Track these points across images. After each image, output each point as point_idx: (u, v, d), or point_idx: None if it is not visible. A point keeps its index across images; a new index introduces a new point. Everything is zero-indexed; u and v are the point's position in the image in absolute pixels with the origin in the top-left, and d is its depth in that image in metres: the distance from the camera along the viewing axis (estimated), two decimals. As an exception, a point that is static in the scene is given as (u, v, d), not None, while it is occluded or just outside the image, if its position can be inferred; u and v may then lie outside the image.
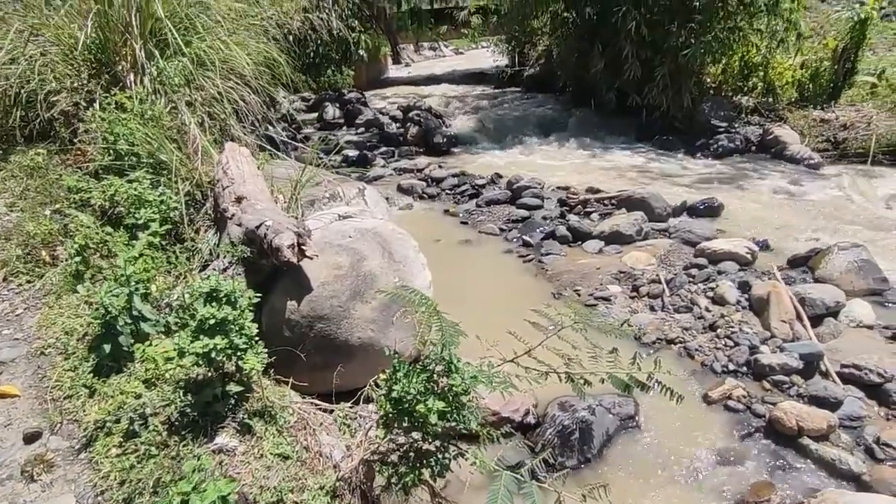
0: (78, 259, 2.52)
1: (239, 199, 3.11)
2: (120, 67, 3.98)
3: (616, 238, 5.07)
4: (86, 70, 3.89)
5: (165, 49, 4.22)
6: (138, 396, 1.92)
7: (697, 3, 8.33)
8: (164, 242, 2.84)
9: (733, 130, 8.72)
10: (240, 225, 2.89)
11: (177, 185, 3.17)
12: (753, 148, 8.38)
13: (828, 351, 3.16)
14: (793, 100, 9.31)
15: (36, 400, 2.02)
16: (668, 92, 8.81)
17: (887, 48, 10.99)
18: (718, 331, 3.49)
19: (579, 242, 5.14)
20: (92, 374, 2.04)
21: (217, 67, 4.33)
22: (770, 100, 9.44)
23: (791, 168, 7.38)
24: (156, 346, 2.10)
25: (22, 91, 3.69)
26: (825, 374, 3.03)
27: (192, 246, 2.97)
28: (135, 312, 2.13)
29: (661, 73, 8.68)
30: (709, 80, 9.85)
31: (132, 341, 2.12)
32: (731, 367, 3.19)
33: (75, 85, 3.79)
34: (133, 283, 2.14)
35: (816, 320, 3.47)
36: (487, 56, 19.45)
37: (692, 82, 8.97)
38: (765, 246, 4.83)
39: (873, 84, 8.89)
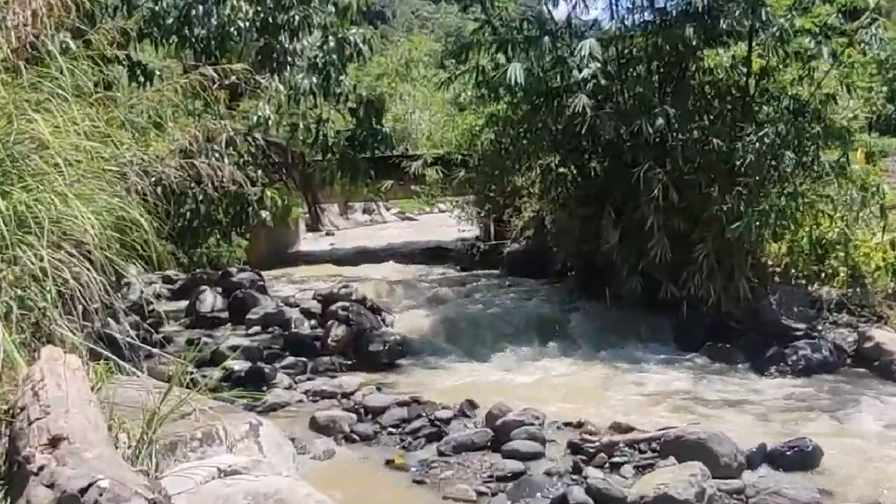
0: None
1: (55, 442, 2.95)
2: None
3: (665, 506, 4.96)
4: None
5: (-34, 202, 4.35)
6: None
7: (741, 162, 9.40)
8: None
9: (816, 334, 9.22)
10: (51, 486, 2.70)
11: (-49, 415, 3.01)
12: (848, 360, 8.83)
13: None
14: (891, 291, 10.11)
15: None
16: (715, 278, 9.47)
17: None
18: None
19: (607, 513, 4.99)
20: None
21: (45, 230, 4.45)
22: (859, 291, 10.21)
23: (907, 390, 7.73)
24: None
25: None
26: None
27: (-41, 526, 2.71)
28: None
29: (704, 252, 9.40)
30: (770, 262, 10.70)
31: None
32: None
33: None
34: None
35: None
36: (449, 224, 20.90)
37: (748, 265, 9.72)
38: (897, 518, 4.81)
39: None
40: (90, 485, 2.53)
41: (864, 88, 12.97)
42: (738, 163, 9.45)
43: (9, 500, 2.90)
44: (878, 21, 10.05)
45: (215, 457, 3.89)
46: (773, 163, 9.65)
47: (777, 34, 9.81)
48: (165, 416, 3.77)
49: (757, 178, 9.78)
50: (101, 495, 2.48)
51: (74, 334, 4.42)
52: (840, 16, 10.22)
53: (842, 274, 10.41)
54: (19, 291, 4.23)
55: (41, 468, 2.83)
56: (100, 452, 2.91)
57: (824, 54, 9.75)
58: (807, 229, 10.44)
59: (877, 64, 16.44)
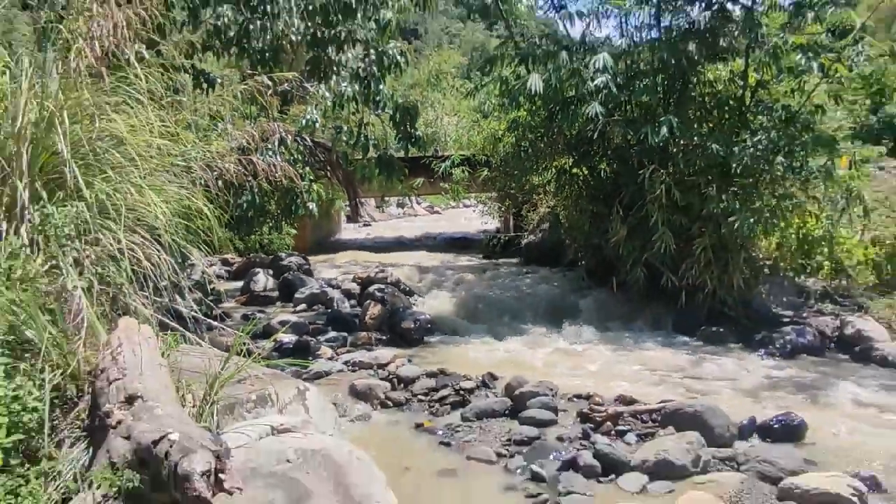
0: None
1: (130, 400, 2.99)
2: (-11, 211, 4.10)
3: (664, 470, 4.92)
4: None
5: (57, 190, 4.40)
6: None
7: (737, 166, 9.33)
8: (9, 461, 2.63)
9: (802, 321, 9.15)
10: (128, 438, 2.74)
11: (43, 374, 3.05)
12: (831, 345, 8.74)
13: None
14: (871, 284, 10.01)
15: None
16: (711, 269, 9.43)
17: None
18: None
19: (612, 476, 4.96)
20: None
21: (122, 216, 4.49)
22: (842, 283, 10.13)
23: (886, 373, 7.61)
24: None
25: None
26: None
27: (51, 468, 2.76)
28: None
29: (702, 245, 9.36)
30: (762, 255, 10.63)
31: None
32: None
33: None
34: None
35: None
36: (473, 217, 20.92)
37: (742, 258, 9.65)
38: (873, 485, 4.72)
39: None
40: (162, 438, 2.56)
41: (850, 101, 12.80)
42: (734, 166, 9.37)
43: (91, 450, 2.95)
44: (863, 39, 9.94)
45: (268, 417, 3.92)
46: (766, 167, 9.54)
47: (771, 51, 9.78)
48: (225, 380, 3.81)
49: (751, 180, 9.76)
50: (171, 447, 2.51)
51: (146, 308, 4.48)
52: (829, 34, 10.13)
53: (826, 267, 10.36)
54: (100, 269, 4.28)
55: (119, 422, 2.87)
56: (169, 410, 2.94)
57: (814, 69, 9.65)
58: (795, 227, 10.41)
59: (861, 79, 16.20)
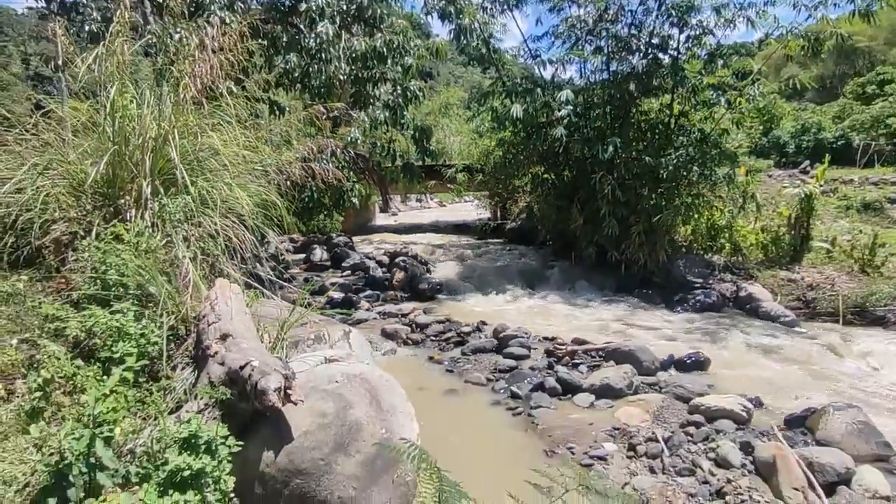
0: (39, 394, 2.31)
1: (224, 337, 3.00)
2: (123, 201, 4.10)
3: (607, 391, 4.93)
4: (90, 203, 3.99)
5: (170, 187, 4.40)
6: (78, 568, 1.62)
7: (663, 173, 9.25)
8: (138, 379, 2.65)
9: (708, 286, 9.08)
10: (222, 364, 2.75)
11: (161, 318, 3.07)
12: (730, 304, 8.66)
13: (849, 526, 2.93)
14: (760, 260, 9.94)
15: (-49, 569, 1.69)
16: (644, 248, 9.39)
17: (832, 219, 12.22)
18: (727, 498, 3.24)
19: (569, 395, 4.97)
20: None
21: (217, 206, 4.49)
22: (739, 259, 10.06)
23: (769, 325, 7.55)
24: (109, 502, 1.84)
25: (19, 218, 3.72)
26: (851, 554, 2.76)
27: (167, 385, 2.78)
28: (93, 460, 1.90)
29: (637, 231, 9.31)
30: (680, 238, 10.54)
31: (83, 495, 1.85)
32: (748, 542, 2.90)
33: (77, 215, 3.85)
34: (98, 425, 1.93)
35: (829, 488, 3.26)
36: (470, 209, 20.81)
37: (666, 240, 9.59)
38: (758, 403, 4.72)
39: (828, 250, 9.63)
40: (246, 364, 2.57)
41: (748, 126, 12.63)
42: (661, 173, 9.29)
43: (195, 373, 2.97)
44: (759, 80, 9.79)
45: (322, 351, 3.93)
46: (685, 174, 9.43)
47: (690, 89, 9.68)
48: (291, 324, 3.82)
49: (674, 183, 9.62)
50: (253, 370, 2.52)
51: (235, 272, 4.49)
52: (734, 76, 9.97)
53: (727, 248, 10.28)
54: (202, 244, 4.28)
55: (216, 353, 2.88)
56: (252, 345, 2.95)
57: (722, 102, 9.53)
58: (705, 218, 10.30)
59: (757, 110, 15.97)
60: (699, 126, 10.17)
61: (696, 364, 5.68)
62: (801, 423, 4.16)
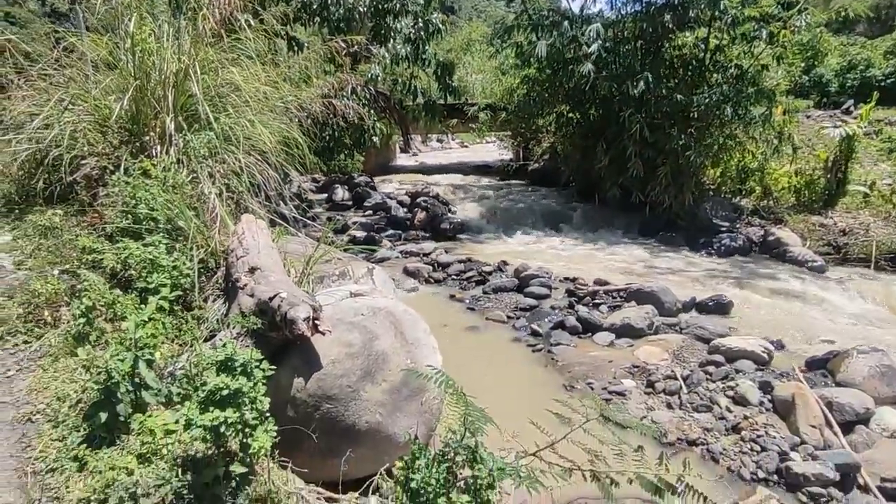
0: (83, 320, 2.43)
1: (252, 270, 3.07)
2: (148, 137, 4.12)
3: (627, 331, 4.98)
4: (116, 138, 4.02)
5: (193, 123, 4.39)
6: (130, 473, 1.76)
7: (695, 112, 8.87)
8: (173, 308, 2.76)
9: (735, 230, 8.92)
10: (252, 296, 2.83)
11: (191, 251, 3.14)
12: (756, 248, 8.53)
13: (864, 462, 2.98)
14: (791, 204, 9.65)
15: (15, 472, 1.85)
16: (670, 190, 9.17)
17: (872, 163, 11.68)
18: (743, 433, 3.32)
19: (589, 334, 5.05)
20: (82, 446, 1.88)
21: (241, 143, 4.49)
22: (769, 203, 9.78)
23: (795, 269, 7.44)
24: (155, 417, 1.96)
25: (49, 154, 3.78)
26: (864, 489, 2.84)
27: (201, 315, 2.88)
28: (137, 379, 2.01)
29: (664, 172, 9.07)
30: (708, 181, 10.26)
31: (130, 411, 1.98)
32: (761, 474, 2.99)
33: (104, 150, 3.89)
34: (139, 348, 2.04)
35: (846, 427, 3.31)
36: (492, 150, 20.41)
37: (693, 182, 9.34)
38: (779, 346, 4.73)
39: (865, 194, 9.28)
40: (275, 295, 2.63)
41: (788, 63, 11.91)
42: (693, 112, 8.91)
43: (226, 304, 3.07)
44: (806, 10, 9.11)
45: (347, 286, 4.00)
46: (718, 113, 9.00)
47: (729, 21, 9.07)
48: (316, 260, 3.88)
49: (705, 123, 9.24)
50: (282, 301, 2.59)
51: (259, 209, 4.54)
52: (778, 5, 9.30)
53: (757, 191, 9.99)
54: (226, 181, 4.32)
55: (245, 285, 2.95)
56: (280, 278, 3.01)
57: (763, 36, 8.93)
58: (736, 160, 9.96)
59: (800, 45, 15.04)
60: (736, 62, 9.63)
61: (719, 307, 5.66)
62: (822, 366, 4.18)
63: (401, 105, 12.37)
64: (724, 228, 9.02)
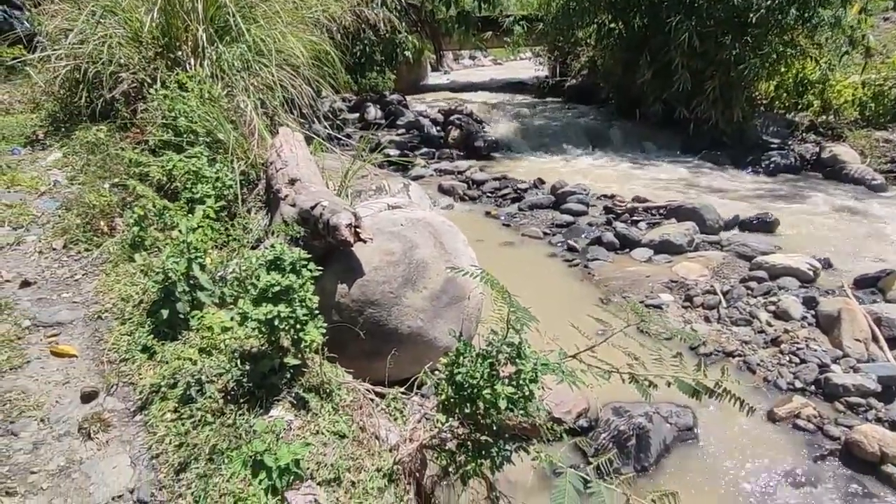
0: (136, 229, 2.53)
1: (292, 181, 3.10)
2: (181, 52, 4.06)
3: (666, 247, 4.91)
4: (150, 51, 3.98)
5: (224, 35, 4.29)
6: (194, 363, 1.89)
7: (753, 16, 8.11)
8: (220, 216, 2.84)
9: (786, 147, 8.43)
10: (293, 205, 2.87)
11: (232, 163, 3.18)
12: (808, 167, 8.08)
13: (908, 375, 2.95)
14: (853, 119, 8.98)
15: (93, 361, 2.01)
16: (718, 105, 8.64)
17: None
18: (782, 346, 3.31)
19: (627, 250, 5.00)
20: (150, 338, 2.02)
21: (273, 56, 4.38)
22: (828, 118, 9.13)
23: (851, 188, 7.07)
24: (212, 315, 2.07)
25: (89, 71, 3.78)
26: (906, 399, 2.82)
27: (245, 224, 2.96)
28: (192, 281, 2.11)
29: (712, 85, 8.50)
30: (760, 94, 9.60)
31: (188, 309, 2.09)
32: (798, 384, 3.01)
33: (140, 65, 3.87)
34: (192, 252, 2.12)
35: (893, 342, 3.25)
36: (527, 67, 19.44)
37: (743, 97, 8.75)
38: (827, 264, 4.58)
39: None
40: (316, 204, 2.66)
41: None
42: (751, 17, 8.12)
43: (269, 215, 3.13)
44: None
45: (384, 199, 4.02)
46: (780, 17, 8.18)
47: None
48: (353, 173, 3.88)
49: (763, 29, 8.44)
50: (323, 209, 2.61)
51: (293, 125, 4.51)
52: None
53: (815, 105, 9.28)
54: (260, 96, 4.27)
55: (286, 196, 2.99)
56: (319, 188, 3.03)
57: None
58: (794, 71, 9.17)
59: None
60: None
61: (764, 225, 5.49)
62: (872, 284, 4.05)
63: (433, 17, 11.75)
64: (774, 145, 8.54)
